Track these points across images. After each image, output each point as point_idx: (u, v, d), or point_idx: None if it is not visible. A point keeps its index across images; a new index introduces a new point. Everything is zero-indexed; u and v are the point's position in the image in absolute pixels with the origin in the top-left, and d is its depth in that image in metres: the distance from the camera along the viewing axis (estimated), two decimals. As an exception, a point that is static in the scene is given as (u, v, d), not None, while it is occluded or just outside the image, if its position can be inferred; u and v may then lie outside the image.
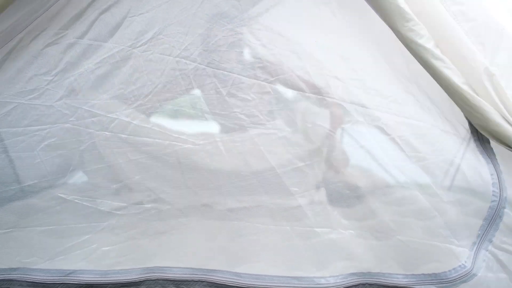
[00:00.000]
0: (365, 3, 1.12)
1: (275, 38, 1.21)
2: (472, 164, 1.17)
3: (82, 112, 1.11)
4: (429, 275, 1.12)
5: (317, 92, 1.20)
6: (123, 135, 1.14)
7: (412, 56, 1.18)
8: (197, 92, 1.17)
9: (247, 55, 1.19)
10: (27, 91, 1.07)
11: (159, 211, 1.20)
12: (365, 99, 1.20)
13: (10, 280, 1.10)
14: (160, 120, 1.18)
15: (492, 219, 1.16)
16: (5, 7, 0.94)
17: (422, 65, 1.03)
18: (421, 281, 1.11)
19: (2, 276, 1.10)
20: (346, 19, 1.17)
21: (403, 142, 1.21)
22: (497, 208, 1.16)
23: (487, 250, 1.15)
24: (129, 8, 1.07)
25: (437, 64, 0.99)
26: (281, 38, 1.21)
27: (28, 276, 1.10)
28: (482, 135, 1.18)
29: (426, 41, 0.99)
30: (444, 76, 0.99)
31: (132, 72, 1.11)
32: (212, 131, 1.18)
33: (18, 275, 1.10)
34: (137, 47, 1.10)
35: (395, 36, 1.16)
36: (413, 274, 1.12)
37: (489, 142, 1.19)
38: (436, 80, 1.04)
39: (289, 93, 1.24)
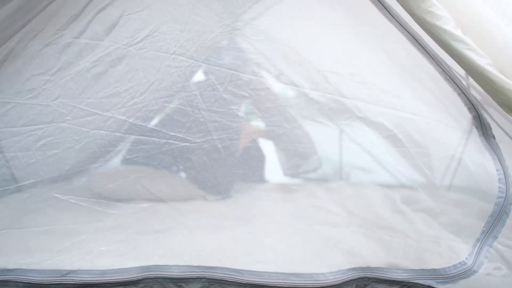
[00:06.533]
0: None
1: (273, 33, 1.35)
2: (477, 160, 1.30)
3: (78, 111, 1.26)
4: (428, 270, 1.26)
5: (316, 88, 1.34)
6: (118, 134, 1.29)
7: (416, 49, 1.33)
8: (193, 89, 1.31)
9: (244, 51, 1.33)
10: (25, 91, 1.21)
11: (155, 209, 1.34)
12: (365, 94, 1.34)
13: (6, 281, 1.23)
14: (156, 118, 1.33)
15: (498, 215, 1.28)
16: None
17: (442, 49, 1.07)
18: (420, 276, 1.25)
19: (-2, 277, 1.24)
20: (346, 14, 1.30)
21: (405, 138, 1.34)
22: (503, 204, 1.28)
23: (491, 247, 1.28)
24: (125, 6, 1.21)
25: (457, 46, 1.01)
26: (279, 34, 1.35)
27: (25, 277, 1.23)
28: (487, 130, 1.31)
29: (444, 23, 1.01)
30: (466, 59, 1.01)
31: (128, 70, 1.26)
32: (209, 129, 1.32)
33: (14, 276, 1.23)
34: (133, 45, 1.24)
35: (396, 30, 1.30)
36: (412, 269, 1.26)
37: (494, 137, 1.31)
38: (458, 63, 1.07)
39: (287, 90, 1.38)
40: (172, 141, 1.31)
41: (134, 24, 1.23)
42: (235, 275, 1.22)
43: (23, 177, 1.29)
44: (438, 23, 1.02)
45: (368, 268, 1.24)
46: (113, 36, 1.23)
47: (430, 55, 1.29)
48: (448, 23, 1.02)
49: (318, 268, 1.24)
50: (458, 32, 1.02)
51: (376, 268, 1.24)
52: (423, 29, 1.07)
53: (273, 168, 1.44)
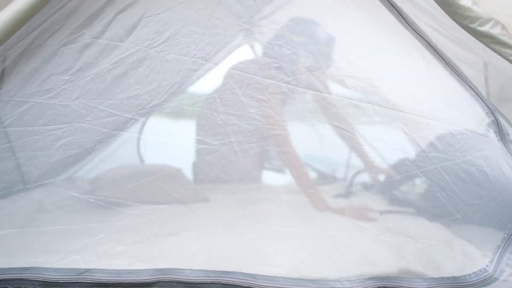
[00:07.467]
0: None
1: (291, 37, 1.37)
2: (496, 165, 1.29)
3: (98, 112, 1.27)
4: (448, 278, 1.24)
5: (334, 92, 1.35)
6: (138, 135, 1.32)
7: (432, 55, 1.33)
8: (212, 92, 1.34)
9: (263, 55, 1.35)
10: (44, 90, 1.23)
11: (172, 211, 1.36)
12: (383, 98, 1.35)
13: (22, 280, 1.24)
14: (175, 121, 1.35)
15: (520, 221, 1.27)
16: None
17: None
18: (440, 285, 1.24)
19: (13, 275, 1.23)
20: (362, 17, 1.31)
21: (423, 143, 1.35)
22: (525, 210, 1.27)
23: (512, 254, 1.27)
24: (146, 8, 1.23)
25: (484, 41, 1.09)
26: (297, 37, 1.38)
27: (40, 276, 1.23)
28: (504, 135, 1.31)
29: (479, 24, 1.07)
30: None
31: (149, 73, 1.28)
32: (227, 132, 1.34)
33: (30, 275, 1.24)
34: (154, 48, 1.26)
35: (412, 37, 1.31)
36: (432, 278, 1.24)
37: (511, 143, 1.32)
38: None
39: (305, 94, 1.39)
40: (191, 143, 1.32)
41: (155, 27, 1.25)
42: (250, 280, 1.21)
43: (42, 176, 1.31)
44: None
45: (387, 278, 1.23)
46: (133, 38, 1.24)
47: (446, 62, 1.30)
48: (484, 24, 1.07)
49: (330, 272, 1.24)
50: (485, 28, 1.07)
51: (395, 278, 1.24)
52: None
53: (288, 171, 1.45)
